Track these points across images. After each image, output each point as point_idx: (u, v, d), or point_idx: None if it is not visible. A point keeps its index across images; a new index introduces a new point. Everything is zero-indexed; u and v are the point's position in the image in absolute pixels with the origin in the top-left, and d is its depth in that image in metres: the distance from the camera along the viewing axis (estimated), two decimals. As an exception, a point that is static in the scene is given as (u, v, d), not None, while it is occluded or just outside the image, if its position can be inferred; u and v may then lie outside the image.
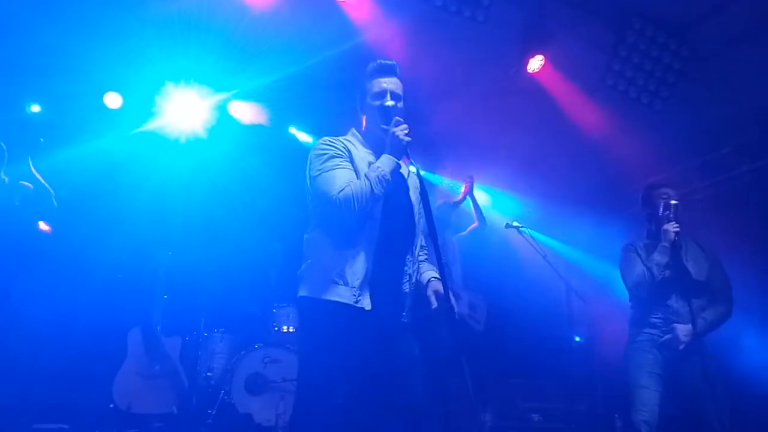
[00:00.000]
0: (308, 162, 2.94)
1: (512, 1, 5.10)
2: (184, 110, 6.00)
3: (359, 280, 2.75)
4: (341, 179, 2.78)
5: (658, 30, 5.23)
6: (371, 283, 2.78)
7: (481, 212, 6.26)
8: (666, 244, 3.91)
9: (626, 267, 4.15)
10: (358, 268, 2.77)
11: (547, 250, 5.74)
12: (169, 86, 5.78)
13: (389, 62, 3.03)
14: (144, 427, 5.10)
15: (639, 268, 4.02)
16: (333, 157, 2.86)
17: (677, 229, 3.90)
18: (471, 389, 2.59)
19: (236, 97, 6.10)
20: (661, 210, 4.01)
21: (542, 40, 5.36)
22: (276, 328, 5.81)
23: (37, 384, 5.03)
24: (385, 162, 2.80)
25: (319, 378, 2.73)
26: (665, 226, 3.93)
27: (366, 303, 2.74)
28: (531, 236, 5.91)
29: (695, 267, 3.97)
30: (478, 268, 6.34)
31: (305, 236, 2.96)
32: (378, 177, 2.74)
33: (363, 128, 3.08)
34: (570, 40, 5.34)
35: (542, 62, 5.48)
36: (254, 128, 6.31)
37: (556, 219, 7.06)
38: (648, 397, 3.82)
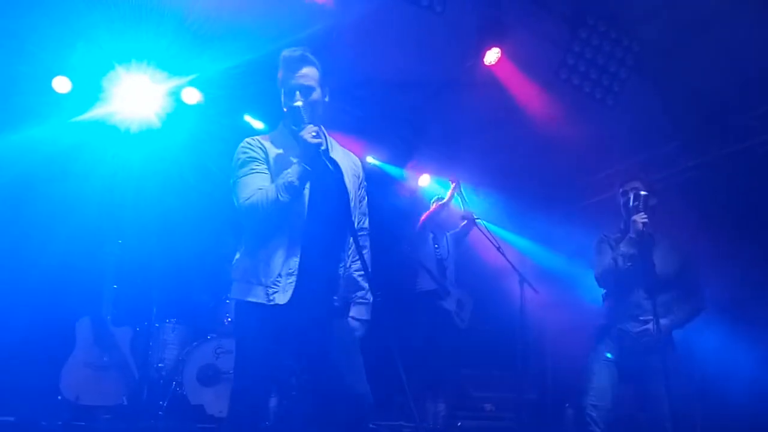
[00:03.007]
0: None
1: (470, -7, 5.14)
2: (136, 96, 5.85)
3: (273, 277, 2.75)
4: (250, 187, 2.79)
5: (610, 26, 5.33)
6: (299, 274, 2.76)
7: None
8: (633, 235, 3.92)
9: (596, 258, 4.19)
10: (275, 264, 2.76)
11: (501, 242, 5.80)
12: (120, 70, 5.64)
13: (296, 53, 2.95)
14: (92, 419, 4.99)
15: (606, 259, 4.06)
16: (246, 162, 2.87)
17: (645, 220, 3.90)
18: (405, 384, 2.61)
19: (190, 83, 5.99)
20: (630, 201, 4.02)
21: (499, 33, 5.41)
22: (229, 319, 5.74)
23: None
24: (294, 169, 2.76)
25: (244, 377, 2.80)
26: (633, 217, 3.93)
27: (281, 298, 2.73)
28: (486, 228, 5.97)
29: (663, 262, 3.99)
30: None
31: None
32: (284, 185, 2.72)
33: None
34: (525, 34, 5.41)
35: (499, 55, 5.54)
36: (209, 116, 6.21)
37: (509, 211, 7.15)
38: (599, 384, 3.89)
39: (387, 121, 6.23)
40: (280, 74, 2.98)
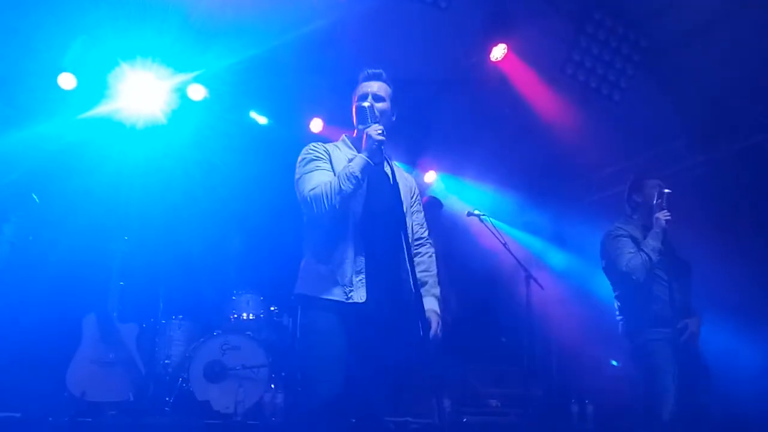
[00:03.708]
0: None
1: (474, -12, 5.12)
2: (141, 92, 5.86)
3: (349, 276, 2.86)
4: (314, 180, 2.91)
5: (617, 21, 5.30)
6: (367, 276, 2.87)
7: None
8: (658, 230, 3.94)
9: (619, 251, 4.06)
10: (347, 264, 2.87)
11: (507, 238, 5.77)
12: (125, 67, 5.64)
13: (375, 70, 3.17)
14: (99, 414, 4.98)
15: (635, 252, 3.99)
16: (312, 160, 3.01)
17: (668, 218, 3.94)
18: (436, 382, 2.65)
19: (195, 80, 5.99)
20: (654, 199, 4.02)
21: (504, 29, 5.39)
22: (235, 315, 5.76)
23: (-13, 371, 4.90)
24: (356, 161, 2.88)
25: (316, 372, 2.86)
26: (657, 214, 3.96)
27: (359, 296, 2.84)
28: (492, 224, 5.95)
29: (682, 258, 4.04)
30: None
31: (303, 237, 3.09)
32: (346, 174, 2.82)
33: (354, 133, 3.19)
34: (531, 30, 5.39)
35: (505, 51, 5.51)
36: (214, 112, 6.21)
37: (515, 207, 7.13)
38: (669, 399, 3.80)
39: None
40: (356, 85, 3.17)
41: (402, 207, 2.96)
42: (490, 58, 5.51)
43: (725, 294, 5.03)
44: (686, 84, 5.42)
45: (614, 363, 3.95)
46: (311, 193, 2.86)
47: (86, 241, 5.48)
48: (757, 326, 4.91)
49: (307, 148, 3.09)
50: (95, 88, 5.79)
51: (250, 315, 5.78)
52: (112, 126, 5.89)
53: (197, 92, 6.09)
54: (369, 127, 2.89)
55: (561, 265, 6.93)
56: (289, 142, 3.13)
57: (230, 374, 5.30)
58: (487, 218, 6.01)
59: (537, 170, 6.91)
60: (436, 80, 5.92)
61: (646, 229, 4.08)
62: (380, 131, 2.87)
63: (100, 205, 5.63)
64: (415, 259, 3.12)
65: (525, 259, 6.17)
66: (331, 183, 2.84)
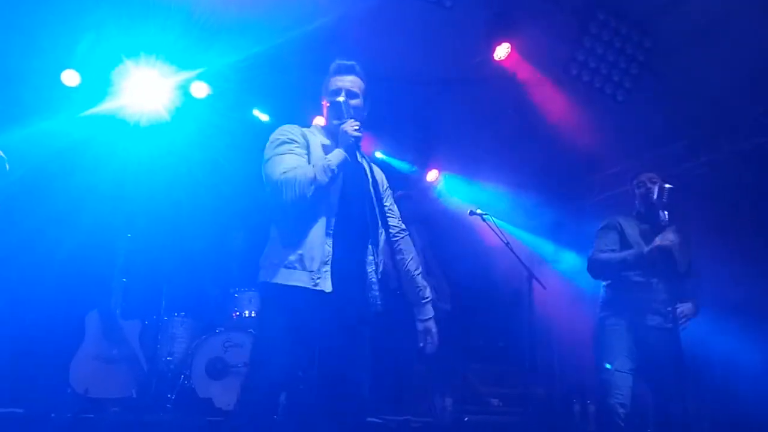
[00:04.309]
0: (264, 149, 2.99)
1: (479, -13, 5.12)
2: (145, 90, 5.88)
3: (317, 264, 2.77)
4: (287, 163, 2.81)
5: (621, 21, 5.30)
6: (333, 267, 2.80)
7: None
8: (648, 253, 3.90)
9: (595, 243, 4.21)
10: (316, 252, 2.79)
11: (510, 238, 5.77)
12: (129, 64, 5.65)
13: (348, 62, 3.09)
14: (101, 411, 4.99)
15: (604, 250, 4.09)
16: (285, 143, 2.91)
17: (668, 243, 3.89)
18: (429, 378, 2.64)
19: (199, 77, 6.00)
20: (654, 195, 4.03)
21: (508, 28, 5.39)
22: (237, 313, 5.77)
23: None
24: (335, 154, 2.84)
25: (273, 361, 2.74)
26: (657, 241, 3.91)
27: (326, 285, 2.75)
28: (494, 223, 5.94)
29: (679, 256, 4.02)
30: (443, 254, 6.38)
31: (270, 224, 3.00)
32: (324, 167, 2.77)
33: (324, 124, 3.15)
34: (535, 30, 5.39)
35: (509, 50, 5.51)
36: (218, 110, 6.22)
37: (518, 206, 7.13)
38: (622, 381, 3.85)
39: (395, 117, 6.21)
40: (328, 77, 3.09)
41: (381, 200, 2.97)
42: (494, 57, 5.51)
43: (726, 294, 5.02)
44: (688, 84, 5.42)
45: (608, 366, 3.96)
46: (283, 176, 2.75)
47: (90, 238, 5.49)
48: (758, 326, 4.92)
49: (281, 129, 2.98)
50: (99, 85, 5.80)
51: (252, 312, 5.77)
52: (116, 123, 5.91)
53: (200, 90, 6.10)
54: (345, 123, 2.88)
55: (563, 265, 6.94)
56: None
57: (232, 371, 5.30)
58: (489, 217, 6.00)
59: (540, 170, 6.91)
60: (440, 79, 5.92)
61: (644, 222, 4.12)
62: (356, 127, 2.86)
63: (104, 203, 5.63)
64: (399, 247, 3.14)
65: (527, 258, 6.16)
66: (305, 171, 2.76)
